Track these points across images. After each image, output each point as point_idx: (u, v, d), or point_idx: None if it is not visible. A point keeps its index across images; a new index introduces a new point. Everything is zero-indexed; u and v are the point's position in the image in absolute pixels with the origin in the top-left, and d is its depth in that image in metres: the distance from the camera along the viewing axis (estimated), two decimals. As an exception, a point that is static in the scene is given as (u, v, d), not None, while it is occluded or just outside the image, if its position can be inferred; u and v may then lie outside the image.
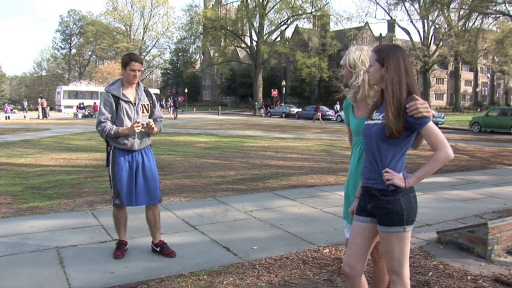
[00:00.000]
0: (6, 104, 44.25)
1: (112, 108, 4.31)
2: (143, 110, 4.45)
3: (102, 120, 4.27)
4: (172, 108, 49.02)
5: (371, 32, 73.89)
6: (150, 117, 4.53)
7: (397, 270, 2.60)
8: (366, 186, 2.65)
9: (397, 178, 2.48)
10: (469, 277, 4.00)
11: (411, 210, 2.53)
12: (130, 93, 4.41)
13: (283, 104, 56.73)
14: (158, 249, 4.57)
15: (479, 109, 63.68)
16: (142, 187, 4.44)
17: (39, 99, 41.47)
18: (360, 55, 3.01)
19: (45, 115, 38.96)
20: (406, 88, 2.47)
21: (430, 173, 2.48)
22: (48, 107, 40.58)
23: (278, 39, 69.02)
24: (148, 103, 4.51)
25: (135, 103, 4.40)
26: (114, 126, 4.27)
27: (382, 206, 2.54)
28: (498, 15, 42.18)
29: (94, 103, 45.75)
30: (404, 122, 2.43)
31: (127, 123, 4.32)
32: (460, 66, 66.65)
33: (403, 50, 2.59)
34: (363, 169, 2.71)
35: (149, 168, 4.48)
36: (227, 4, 71.50)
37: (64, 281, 3.81)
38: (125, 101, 4.34)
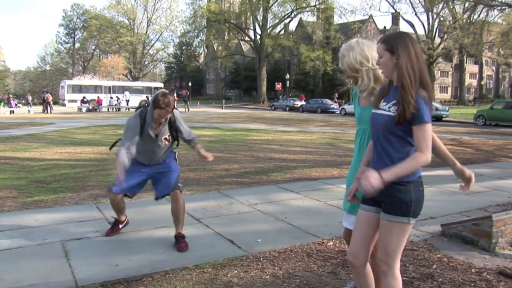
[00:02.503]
0: (11, 98, 44.28)
1: (137, 132, 4.40)
2: (164, 143, 4.56)
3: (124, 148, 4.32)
4: (176, 102, 49.15)
5: (375, 25, 73.66)
6: (177, 140, 4.71)
7: (390, 262, 2.58)
8: None
9: (374, 180, 2.37)
10: (473, 270, 4.00)
11: (418, 203, 2.52)
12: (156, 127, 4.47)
13: (288, 97, 56.40)
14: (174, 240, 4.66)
15: (473, 102, 62.76)
16: (160, 182, 4.68)
17: (45, 93, 41.49)
18: (356, 56, 2.96)
19: (46, 109, 38.99)
20: (418, 75, 2.44)
21: (408, 171, 2.42)
22: (51, 102, 40.62)
23: (282, 32, 68.92)
24: (168, 134, 4.56)
25: (156, 137, 4.49)
26: (125, 160, 4.26)
27: (391, 194, 2.50)
28: (503, 7, 41.98)
29: (98, 97, 45.89)
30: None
31: (144, 148, 4.51)
32: (465, 59, 66.34)
33: (410, 35, 2.57)
34: (372, 160, 2.67)
35: (169, 172, 4.66)
36: (230, -3, 71.43)
37: (69, 273, 3.82)
38: (149, 135, 4.45)
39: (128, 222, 5.02)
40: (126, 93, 48.44)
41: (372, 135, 2.65)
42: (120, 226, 4.91)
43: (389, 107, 2.50)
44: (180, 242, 4.55)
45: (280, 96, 58.21)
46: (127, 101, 47.32)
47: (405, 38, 2.50)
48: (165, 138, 4.55)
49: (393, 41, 2.50)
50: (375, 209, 2.64)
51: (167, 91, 4.44)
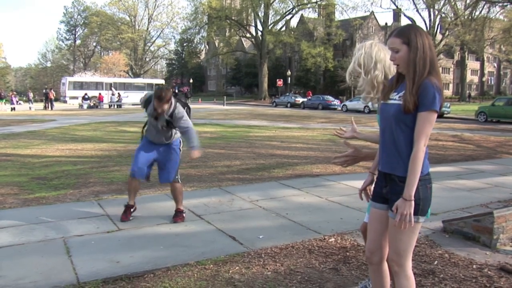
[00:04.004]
0: (12, 95, 44.24)
1: (142, 103, 5.39)
2: (162, 127, 5.22)
3: None
4: (176, 99, 49.02)
5: (377, 21, 73.50)
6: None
7: (401, 262, 2.54)
8: (385, 172, 2.58)
9: (407, 208, 2.38)
10: (474, 266, 4.00)
11: (426, 201, 2.47)
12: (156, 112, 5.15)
13: (295, 94, 56.10)
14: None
15: (467, 99, 62.39)
16: (162, 170, 5.38)
17: (48, 90, 41.56)
18: (362, 56, 2.90)
19: (50, 105, 39.10)
20: (429, 66, 2.40)
21: (417, 172, 2.38)
22: (53, 98, 40.71)
23: (283, 28, 68.81)
24: (165, 124, 5.19)
25: (156, 119, 5.17)
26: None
27: (399, 193, 2.44)
28: (505, 4, 41.88)
29: (99, 93, 45.79)
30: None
31: (150, 125, 5.35)
32: (466, 56, 66.21)
33: (421, 27, 2.54)
34: (380, 153, 2.63)
35: (170, 158, 5.36)
36: (231, -7, 71.25)
37: (71, 270, 3.83)
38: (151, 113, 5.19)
39: (136, 209, 5.46)
40: (113, 89, 47.45)
41: (381, 127, 2.59)
42: (132, 210, 5.36)
43: (399, 97, 2.46)
44: (177, 216, 5.34)
45: (290, 92, 58.27)
46: (112, 96, 45.47)
47: (420, 30, 2.47)
48: (163, 125, 5.18)
49: (409, 34, 2.44)
50: (387, 207, 2.59)
51: (166, 87, 5.20)
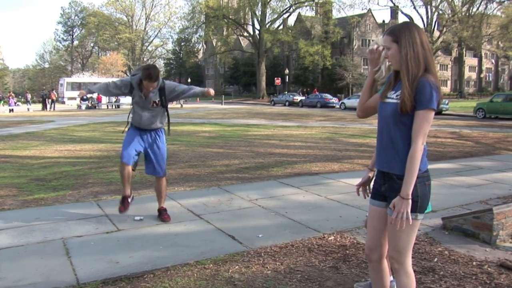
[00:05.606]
0: (10, 96, 44.16)
1: (124, 89, 5.17)
2: (152, 104, 5.13)
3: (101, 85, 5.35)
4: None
5: (374, 19, 73.54)
6: (172, 99, 5.47)
7: (401, 259, 2.56)
8: (382, 171, 2.59)
9: (404, 206, 2.38)
10: (474, 263, 4.00)
11: (425, 198, 2.48)
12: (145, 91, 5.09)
13: (290, 92, 56.28)
14: (158, 213, 5.37)
15: (458, 94, 62.37)
16: (150, 161, 5.29)
17: (46, 91, 41.56)
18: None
19: (45, 106, 39.18)
20: (424, 63, 2.41)
21: (415, 171, 2.38)
22: (55, 99, 40.77)
23: (281, 27, 68.80)
24: (158, 99, 5.12)
25: (146, 97, 5.08)
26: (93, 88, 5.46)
27: (397, 190, 2.44)
28: (502, 0, 41.84)
29: (98, 94, 45.68)
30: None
31: (137, 109, 5.19)
32: (464, 52, 66.26)
33: (417, 25, 2.53)
34: (378, 152, 2.63)
35: (157, 147, 5.27)
36: (228, -8, 71.24)
37: (70, 271, 3.82)
38: (138, 93, 5.08)
39: (133, 198, 5.48)
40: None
41: (380, 126, 2.60)
42: (129, 200, 5.33)
43: (397, 96, 2.47)
44: (163, 215, 5.31)
45: (288, 91, 58.35)
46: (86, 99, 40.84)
47: (410, 28, 2.46)
48: (154, 102, 5.12)
49: (398, 32, 2.45)
50: (385, 204, 2.60)
51: (151, 65, 5.00)
